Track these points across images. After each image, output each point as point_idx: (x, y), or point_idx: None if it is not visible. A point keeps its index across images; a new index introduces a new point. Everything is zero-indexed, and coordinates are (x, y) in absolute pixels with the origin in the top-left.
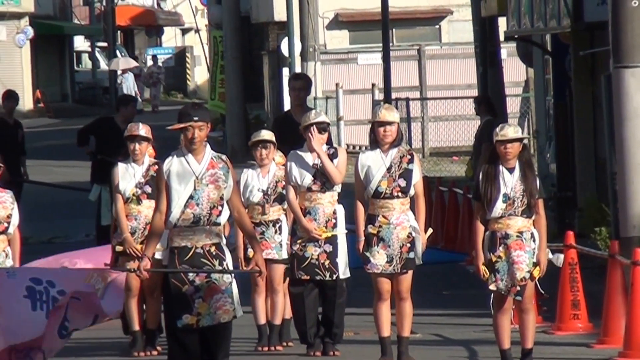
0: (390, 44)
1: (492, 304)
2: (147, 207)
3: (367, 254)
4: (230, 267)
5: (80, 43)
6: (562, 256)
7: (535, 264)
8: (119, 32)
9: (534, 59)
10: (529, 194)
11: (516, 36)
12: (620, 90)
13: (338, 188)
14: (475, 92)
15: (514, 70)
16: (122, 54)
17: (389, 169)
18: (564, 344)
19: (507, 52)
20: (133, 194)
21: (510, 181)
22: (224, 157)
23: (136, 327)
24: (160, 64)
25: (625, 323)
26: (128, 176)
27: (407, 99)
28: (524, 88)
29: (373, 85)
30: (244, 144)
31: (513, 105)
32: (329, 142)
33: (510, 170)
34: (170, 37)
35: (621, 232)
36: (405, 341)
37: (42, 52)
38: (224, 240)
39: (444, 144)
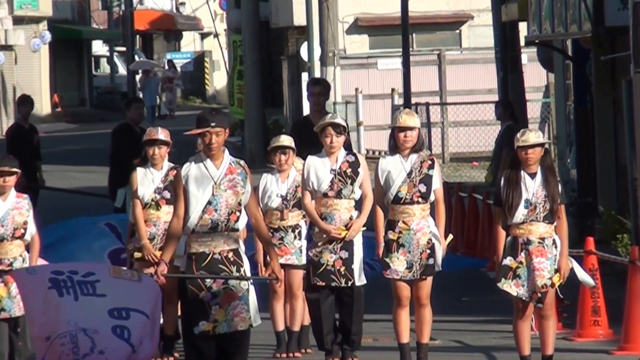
0: (410, 49)
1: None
2: (166, 213)
3: (387, 259)
4: (248, 274)
5: (99, 47)
6: (591, 281)
7: (557, 271)
8: (137, 36)
9: (554, 64)
10: (551, 199)
11: (537, 41)
12: None
13: (356, 195)
14: (495, 97)
15: (535, 76)
16: (141, 58)
17: (409, 175)
18: (584, 350)
19: (528, 57)
20: (152, 200)
21: (532, 187)
22: (242, 162)
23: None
24: (178, 68)
25: None
26: (147, 181)
27: (427, 104)
28: (545, 93)
29: (393, 90)
30: (263, 149)
31: (533, 111)
32: (348, 148)
33: (532, 176)
34: (189, 42)
35: None
36: (424, 348)
37: (60, 56)
38: (242, 246)
39: (464, 149)
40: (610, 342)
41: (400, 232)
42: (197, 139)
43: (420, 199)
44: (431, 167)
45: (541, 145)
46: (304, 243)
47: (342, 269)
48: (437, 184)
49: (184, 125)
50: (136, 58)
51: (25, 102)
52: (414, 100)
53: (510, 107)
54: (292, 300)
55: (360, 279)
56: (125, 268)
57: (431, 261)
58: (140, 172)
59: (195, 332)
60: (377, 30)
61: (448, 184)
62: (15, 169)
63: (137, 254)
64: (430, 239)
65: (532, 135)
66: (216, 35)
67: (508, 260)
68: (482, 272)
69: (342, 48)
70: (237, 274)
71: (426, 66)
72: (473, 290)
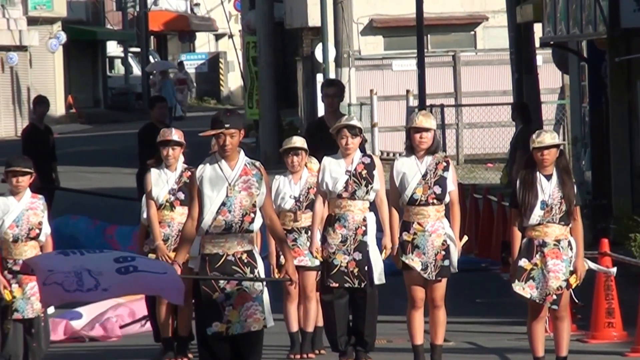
0: (425, 50)
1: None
2: (180, 214)
3: (403, 259)
4: (262, 275)
5: (113, 48)
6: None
7: (572, 272)
8: (152, 37)
9: (569, 65)
10: (567, 200)
11: (552, 42)
12: None
13: (370, 197)
14: (510, 99)
15: (550, 77)
16: (155, 59)
17: (424, 176)
18: (598, 352)
19: (543, 58)
20: (166, 201)
21: (547, 188)
22: (257, 163)
23: (168, 334)
24: (193, 69)
25: None
26: (161, 182)
27: (442, 106)
28: (560, 95)
29: (407, 91)
30: (277, 150)
31: (549, 112)
32: (362, 150)
33: (548, 177)
34: (204, 43)
35: None
36: (438, 349)
37: (74, 57)
38: (256, 248)
39: (478, 151)
40: (624, 344)
41: (415, 234)
42: (211, 139)
43: (435, 201)
44: (446, 168)
45: (557, 146)
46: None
47: (356, 270)
48: (452, 186)
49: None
50: (150, 59)
51: (41, 103)
52: (428, 101)
53: (525, 109)
54: (305, 302)
55: (380, 279)
56: None
57: (446, 262)
58: (154, 173)
59: (209, 333)
60: (392, 32)
61: (462, 185)
62: (28, 169)
63: (151, 255)
64: (445, 241)
65: (548, 137)
66: (231, 36)
67: (523, 262)
68: (496, 274)
69: (357, 49)
70: (251, 276)
71: (441, 67)
72: (487, 292)
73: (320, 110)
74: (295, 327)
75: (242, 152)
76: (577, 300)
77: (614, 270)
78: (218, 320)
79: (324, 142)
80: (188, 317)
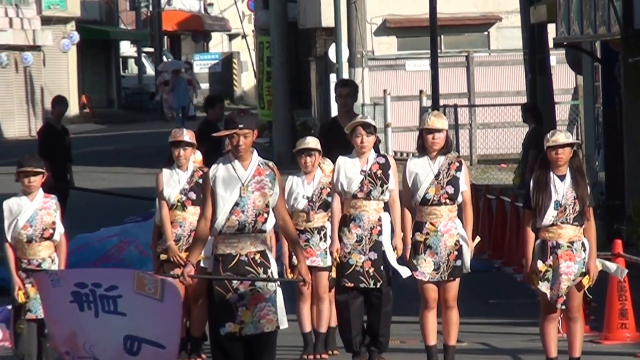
0: (439, 51)
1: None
2: (191, 214)
3: (414, 261)
4: (276, 276)
5: (127, 48)
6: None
7: (585, 273)
8: (165, 37)
9: (583, 66)
10: (581, 201)
11: (565, 43)
12: None
13: (385, 197)
14: (523, 99)
15: (563, 78)
16: (169, 59)
17: (436, 176)
18: (611, 353)
19: (557, 59)
20: (178, 201)
21: (561, 188)
22: (270, 163)
23: (181, 334)
24: (206, 69)
25: None
26: (173, 182)
27: (455, 106)
28: (573, 95)
29: (421, 91)
30: (291, 151)
31: (562, 113)
32: (377, 150)
33: (561, 178)
34: (217, 43)
35: None
36: (451, 350)
37: (88, 57)
38: (270, 248)
39: (491, 152)
40: (638, 345)
41: (427, 234)
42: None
43: (447, 200)
44: (459, 169)
45: (571, 145)
46: (329, 244)
47: (371, 270)
48: (464, 186)
49: None
50: (164, 59)
51: (60, 103)
52: (442, 102)
53: (537, 109)
54: (318, 302)
55: (405, 272)
56: (150, 274)
57: (458, 263)
58: (165, 173)
59: (222, 334)
60: (405, 32)
61: (476, 186)
62: (40, 169)
63: (162, 256)
64: (458, 241)
65: (562, 136)
66: (244, 36)
67: (539, 264)
68: (509, 275)
69: (370, 49)
70: (264, 276)
71: (454, 68)
72: (500, 292)
73: (334, 110)
74: (308, 328)
75: (255, 152)
76: (590, 300)
77: (617, 268)
78: (231, 321)
79: (338, 143)
80: (201, 318)
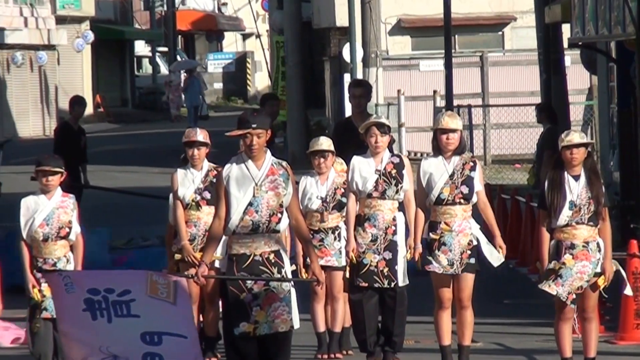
0: (453, 51)
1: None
2: (206, 214)
3: (429, 257)
4: (289, 275)
5: (141, 48)
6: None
7: (600, 273)
8: (179, 36)
9: (598, 66)
10: (596, 200)
11: (580, 43)
12: None
13: (400, 197)
14: (538, 100)
15: (578, 78)
16: (183, 58)
17: (451, 176)
18: (626, 353)
19: (571, 59)
20: (192, 200)
21: (576, 188)
22: (284, 163)
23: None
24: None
25: None
26: (187, 182)
27: (469, 106)
28: (588, 96)
29: (435, 92)
30: (305, 151)
31: (576, 113)
32: (391, 149)
33: (576, 178)
34: (231, 42)
35: None
36: (466, 350)
37: (102, 56)
38: (284, 248)
39: (506, 152)
40: None
41: (442, 233)
42: (238, 139)
43: (462, 200)
44: (473, 168)
45: (585, 145)
46: (344, 244)
47: (386, 269)
48: (479, 186)
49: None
50: (178, 58)
51: (80, 103)
52: (456, 102)
53: (551, 110)
54: (332, 302)
55: (404, 280)
56: (163, 275)
57: (472, 260)
58: (180, 173)
59: (236, 334)
60: (420, 32)
61: (490, 186)
62: (58, 169)
63: (177, 256)
64: (472, 240)
65: (577, 136)
66: (258, 36)
67: (552, 265)
68: (523, 275)
69: (385, 49)
70: (279, 276)
71: (468, 68)
72: (515, 292)
73: (348, 110)
74: (322, 327)
75: (268, 152)
76: (605, 297)
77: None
78: (246, 321)
79: (352, 143)
80: (215, 318)
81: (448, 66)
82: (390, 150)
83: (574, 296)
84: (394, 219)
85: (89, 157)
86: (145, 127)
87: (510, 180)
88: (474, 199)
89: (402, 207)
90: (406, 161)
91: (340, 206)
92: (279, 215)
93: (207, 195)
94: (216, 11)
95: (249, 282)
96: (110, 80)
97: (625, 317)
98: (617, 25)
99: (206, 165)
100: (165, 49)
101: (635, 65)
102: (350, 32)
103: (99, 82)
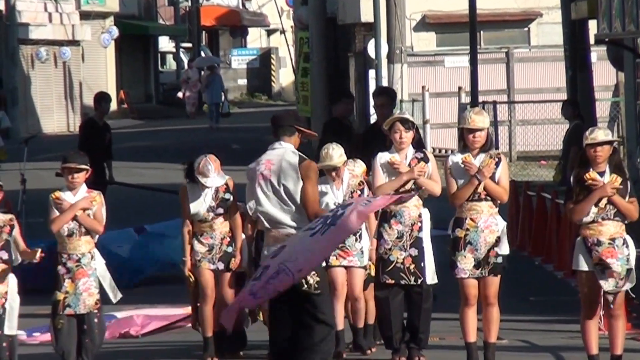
0: (478, 47)
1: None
2: (220, 224)
3: (454, 258)
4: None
5: (165, 44)
6: None
7: (629, 270)
8: (203, 32)
9: (624, 62)
10: (621, 196)
11: (607, 39)
12: None
13: (425, 193)
14: (564, 96)
15: (604, 74)
16: (207, 54)
17: (477, 172)
18: None
19: (597, 55)
20: (205, 218)
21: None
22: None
23: (209, 332)
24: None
25: None
26: (197, 197)
27: (495, 103)
28: (614, 92)
29: (460, 88)
30: None
31: (602, 110)
32: (418, 144)
33: (601, 174)
34: (255, 38)
35: None
36: (491, 347)
37: (126, 52)
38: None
39: (531, 148)
40: None
41: (467, 230)
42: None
43: (487, 196)
44: (498, 164)
45: (610, 143)
46: (365, 244)
47: (412, 266)
48: (503, 180)
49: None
50: (202, 54)
51: (106, 100)
52: (481, 98)
53: (578, 106)
54: (353, 302)
55: (432, 279)
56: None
57: (499, 260)
58: (190, 188)
59: None
60: (445, 28)
61: (515, 182)
62: (84, 166)
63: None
64: (499, 237)
65: (601, 133)
66: (283, 32)
67: (587, 266)
68: (549, 272)
69: (409, 45)
70: None
71: (494, 64)
72: (540, 289)
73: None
74: (341, 325)
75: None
76: (634, 298)
77: None
78: None
79: (378, 148)
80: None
81: (473, 62)
82: (420, 147)
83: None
84: (419, 216)
85: (113, 153)
86: (168, 123)
87: (535, 177)
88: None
89: (426, 203)
90: (431, 157)
91: None
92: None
93: (220, 211)
94: (240, 7)
95: None
96: (134, 76)
97: None
98: None
99: (217, 181)
100: (189, 44)
101: None
102: (375, 28)
103: (122, 78)
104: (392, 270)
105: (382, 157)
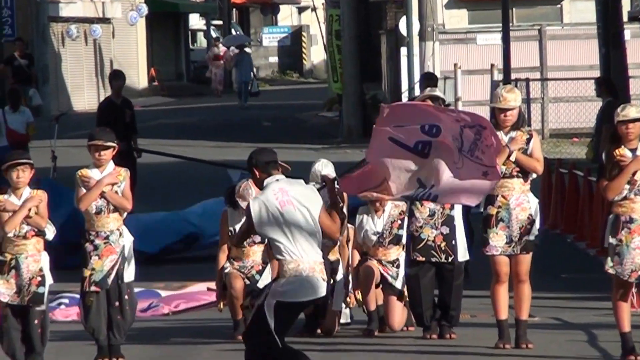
0: (510, 24)
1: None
2: (253, 252)
3: (486, 235)
4: None
5: (196, 21)
6: None
7: None
8: (234, 10)
9: None
10: None
11: None
12: None
13: None
14: (597, 74)
15: (638, 52)
16: (237, 32)
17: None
18: None
19: (631, 33)
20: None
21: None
22: None
23: (239, 315)
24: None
25: None
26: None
27: (527, 80)
28: None
29: (492, 65)
30: (361, 124)
31: (636, 87)
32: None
33: (633, 151)
34: (286, 16)
35: None
36: (523, 324)
37: (157, 30)
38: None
39: (564, 126)
40: None
41: (499, 207)
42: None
43: (519, 173)
44: (529, 140)
45: None
46: (401, 272)
47: (443, 244)
48: (537, 152)
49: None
50: (232, 32)
51: (117, 77)
52: (513, 75)
53: (611, 83)
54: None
55: (464, 256)
56: None
57: (531, 237)
58: (230, 213)
59: None
60: (477, 5)
61: (548, 160)
62: (110, 143)
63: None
64: (531, 215)
65: (633, 110)
66: (314, 9)
67: (612, 240)
68: (582, 249)
69: (441, 23)
70: None
71: (526, 41)
72: (572, 267)
73: (404, 84)
74: (373, 306)
75: None
76: None
77: None
78: None
79: None
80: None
81: (505, 40)
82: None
83: (639, 272)
84: None
85: (142, 130)
86: (199, 101)
87: (568, 154)
88: (533, 175)
89: None
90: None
91: (397, 240)
92: None
93: (257, 238)
94: None
95: None
96: (165, 54)
97: None
98: None
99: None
100: (219, 22)
101: None
102: (406, 6)
103: (153, 56)
104: (422, 247)
105: None
